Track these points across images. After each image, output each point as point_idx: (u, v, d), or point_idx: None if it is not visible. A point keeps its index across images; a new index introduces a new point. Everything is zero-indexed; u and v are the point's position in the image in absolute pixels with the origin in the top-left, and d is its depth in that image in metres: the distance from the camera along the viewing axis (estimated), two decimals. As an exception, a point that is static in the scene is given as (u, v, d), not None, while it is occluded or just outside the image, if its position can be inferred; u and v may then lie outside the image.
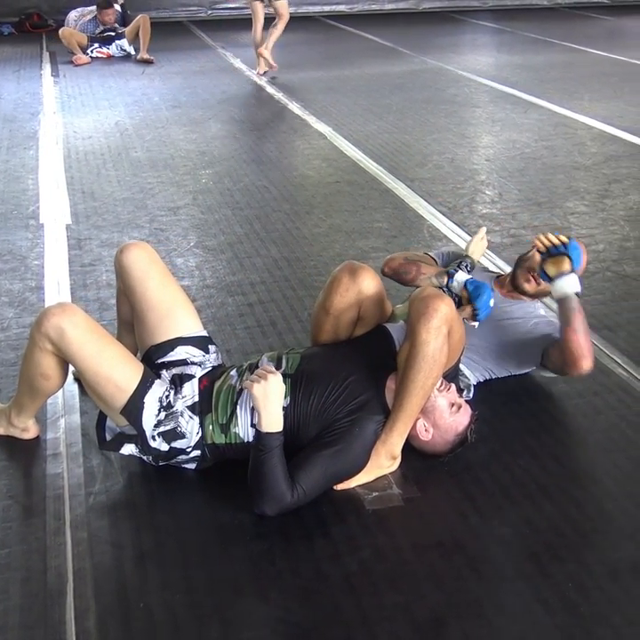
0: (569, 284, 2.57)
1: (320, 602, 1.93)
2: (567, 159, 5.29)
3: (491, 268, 3.32)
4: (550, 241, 2.62)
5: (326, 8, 12.10)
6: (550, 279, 2.60)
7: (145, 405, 2.24)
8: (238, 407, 2.27)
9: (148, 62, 8.68)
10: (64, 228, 4.22)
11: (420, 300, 2.29)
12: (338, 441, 2.20)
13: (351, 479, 2.27)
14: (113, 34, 9.05)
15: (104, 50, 8.96)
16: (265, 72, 7.98)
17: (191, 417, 2.27)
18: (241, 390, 2.28)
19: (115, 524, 2.17)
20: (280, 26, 7.85)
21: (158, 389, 2.28)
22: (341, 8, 12.21)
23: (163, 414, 2.26)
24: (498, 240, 4.00)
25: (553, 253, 2.61)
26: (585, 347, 2.53)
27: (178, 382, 2.33)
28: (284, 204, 4.58)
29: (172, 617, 1.89)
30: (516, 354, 2.73)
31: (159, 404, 2.26)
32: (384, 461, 2.31)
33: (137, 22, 8.98)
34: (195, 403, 2.30)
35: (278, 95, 7.19)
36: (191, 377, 2.35)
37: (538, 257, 2.67)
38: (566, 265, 2.58)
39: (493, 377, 2.75)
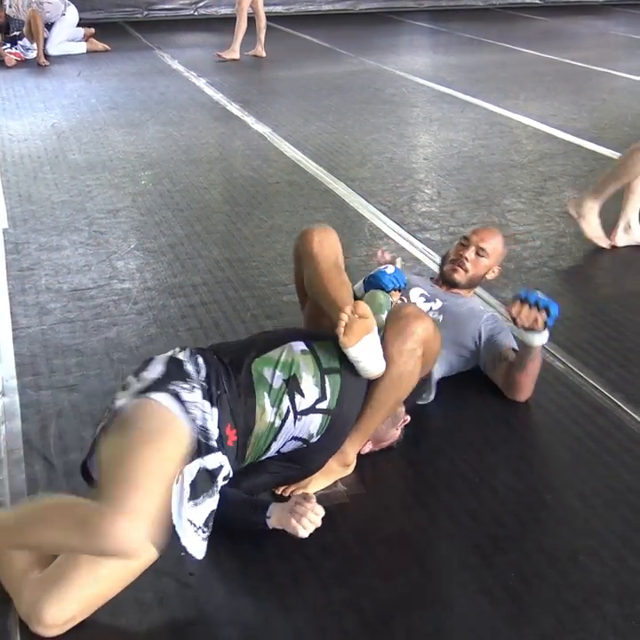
0: (539, 339, 2.54)
1: (269, 600, 1.94)
2: (503, 157, 5.38)
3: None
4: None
5: (264, 9, 12.07)
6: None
7: None
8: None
9: (41, 66, 8.39)
10: (1, 232, 4.15)
11: (398, 318, 2.24)
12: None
13: (307, 486, 2.25)
14: (17, 33, 8.71)
15: (13, 50, 8.66)
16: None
17: None
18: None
19: (59, 530, 2.15)
20: (262, 22, 8.94)
21: None
22: (278, 9, 12.20)
23: None
24: (437, 238, 4.05)
25: (531, 304, 2.48)
26: (529, 388, 2.66)
27: None
28: (225, 205, 4.58)
29: (119, 618, 1.88)
30: (461, 357, 2.78)
31: None
32: (336, 468, 2.31)
33: (27, 18, 8.56)
34: None
35: (217, 96, 7.17)
36: None
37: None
38: (541, 323, 2.48)
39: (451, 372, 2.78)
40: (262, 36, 8.92)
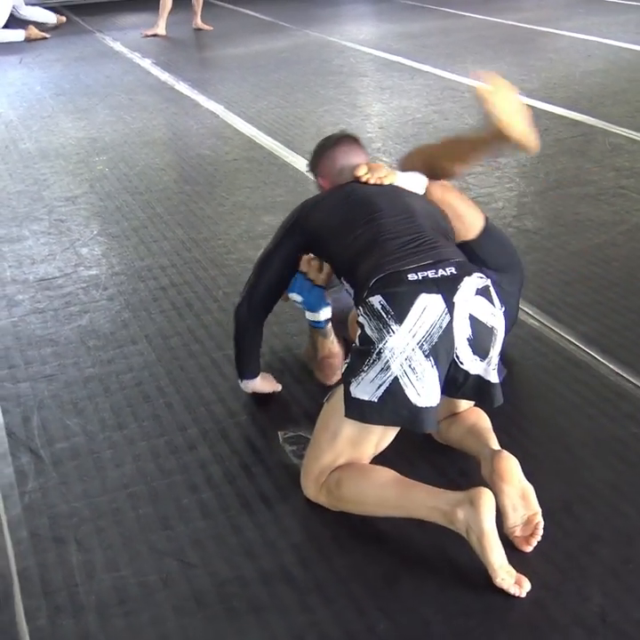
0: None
1: (274, 573, 1.95)
2: (457, 122, 5.40)
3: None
4: None
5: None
6: None
7: None
8: None
9: None
10: (-42, 226, 4.08)
11: None
12: None
13: None
14: None
15: None
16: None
17: None
18: None
19: (54, 520, 2.13)
20: None
21: None
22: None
23: None
24: (401, 205, 4.06)
25: None
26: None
27: None
28: (185, 186, 4.54)
29: (125, 603, 1.88)
30: None
31: None
32: None
33: None
34: None
35: (165, 76, 7.08)
36: None
37: None
38: None
39: None
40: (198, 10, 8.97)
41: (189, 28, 8.92)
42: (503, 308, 2.18)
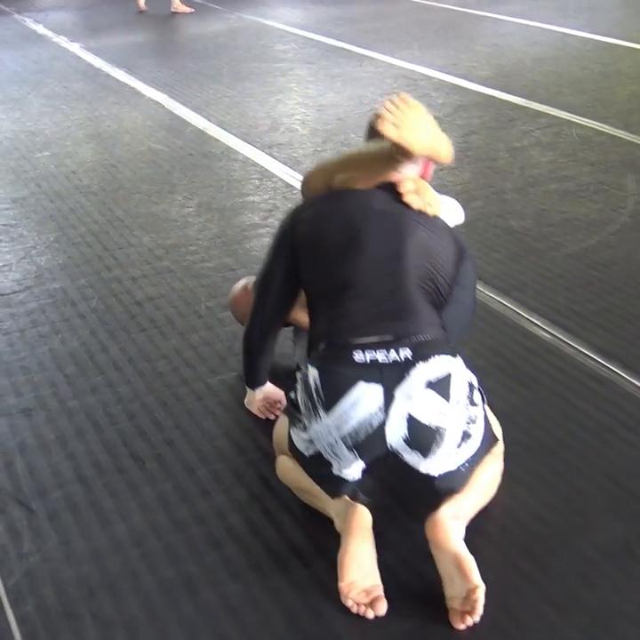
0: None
1: None
2: (418, 112, 5.20)
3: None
4: None
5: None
6: None
7: None
8: None
9: None
10: None
11: None
12: None
13: None
14: None
15: None
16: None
17: None
18: None
19: (61, 589, 1.86)
20: None
21: None
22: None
23: None
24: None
25: None
26: None
27: None
28: (141, 185, 4.23)
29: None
30: None
31: None
32: None
33: None
34: None
35: (98, 62, 6.69)
36: None
37: None
38: None
39: None
40: None
41: (118, 8, 8.49)
42: (470, 396, 1.94)
